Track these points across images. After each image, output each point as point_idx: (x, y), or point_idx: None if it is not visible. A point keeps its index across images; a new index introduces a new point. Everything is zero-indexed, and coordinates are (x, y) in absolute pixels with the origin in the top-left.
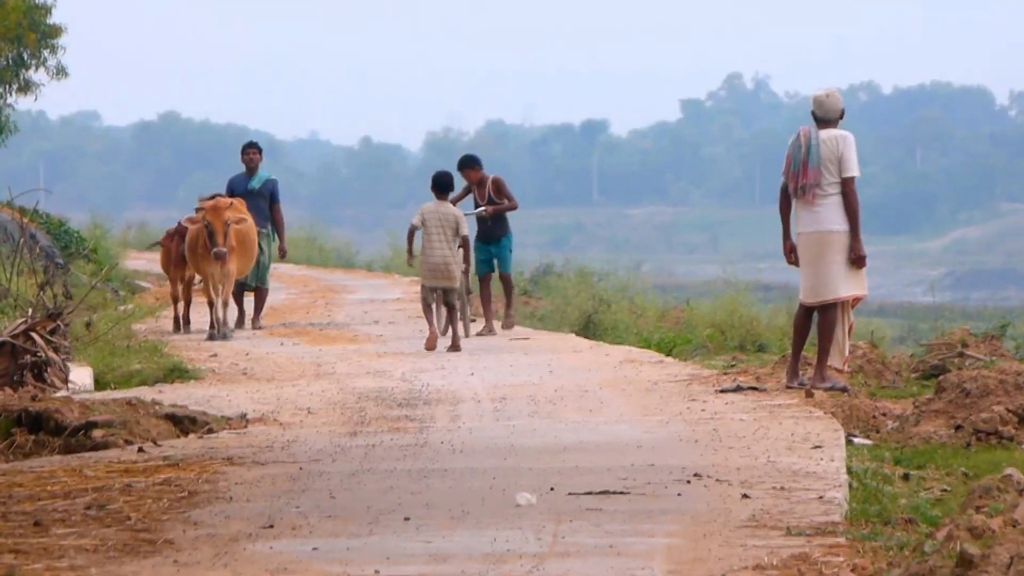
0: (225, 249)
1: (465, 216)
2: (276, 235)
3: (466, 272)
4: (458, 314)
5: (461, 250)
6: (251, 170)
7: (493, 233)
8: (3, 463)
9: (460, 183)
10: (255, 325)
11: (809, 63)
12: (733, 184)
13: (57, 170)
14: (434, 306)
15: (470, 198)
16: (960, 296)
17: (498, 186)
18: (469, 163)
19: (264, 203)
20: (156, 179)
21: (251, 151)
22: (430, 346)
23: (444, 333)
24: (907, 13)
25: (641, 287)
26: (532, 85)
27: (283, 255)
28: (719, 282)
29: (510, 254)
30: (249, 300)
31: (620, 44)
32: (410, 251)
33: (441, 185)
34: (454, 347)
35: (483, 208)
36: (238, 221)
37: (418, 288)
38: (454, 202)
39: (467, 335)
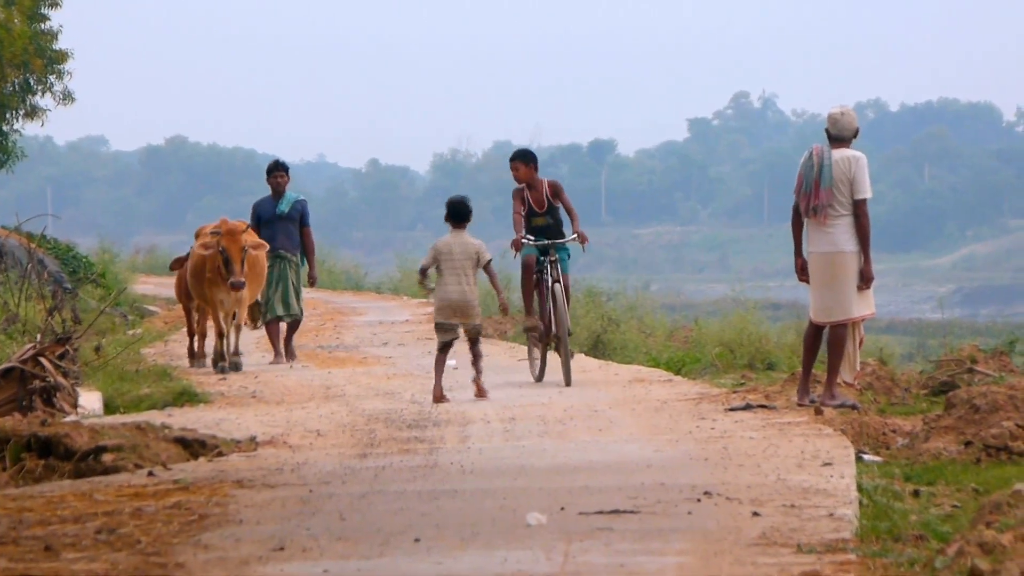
0: (243, 279)
1: (563, 243)
2: (305, 261)
3: (504, 306)
4: (481, 354)
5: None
6: (278, 193)
7: (547, 236)
8: (13, 488)
9: (503, 196)
10: (288, 356)
11: (816, 81)
12: (741, 203)
13: (65, 195)
14: (447, 357)
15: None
16: (969, 312)
17: (556, 190)
18: (522, 157)
19: (294, 227)
20: (164, 203)
21: (278, 173)
22: (437, 399)
23: (540, 378)
24: (914, 30)
25: (650, 306)
26: (539, 106)
27: (313, 283)
28: (728, 301)
29: (568, 260)
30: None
31: (626, 64)
32: (425, 287)
33: (458, 214)
34: (479, 394)
35: (573, 236)
36: (255, 246)
37: (427, 310)
38: (519, 217)
39: (568, 381)
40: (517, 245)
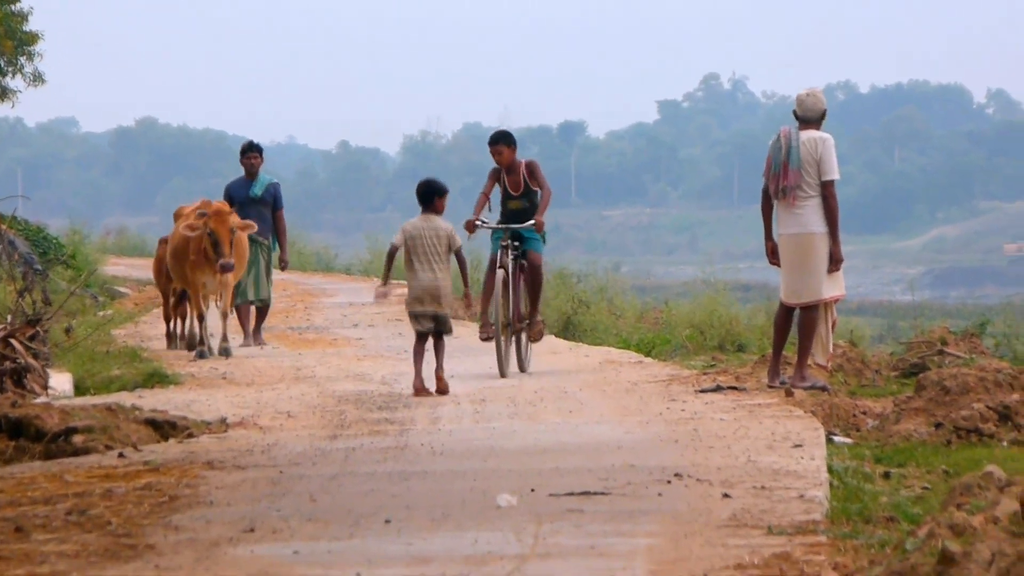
0: (232, 261)
1: (518, 228)
2: (277, 244)
3: (468, 299)
4: (444, 346)
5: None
6: (251, 175)
7: (522, 220)
8: None
9: (481, 171)
10: (256, 341)
11: (786, 63)
12: (711, 185)
13: (35, 177)
14: (426, 343)
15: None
16: (939, 294)
17: (532, 170)
18: (505, 139)
19: (267, 210)
20: (134, 185)
21: (252, 155)
22: (417, 391)
23: (523, 367)
24: (884, 12)
25: (620, 288)
26: (509, 88)
27: (284, 266)
28: (698, 282)
29: (540, 242)
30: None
31: (597, 46)
32: (386, 274)
33: (428, 196)
34: (440, 389)
35: (531, 222)
36: (243, 227)
37: (397, 292)
38: (483, 198)
39: (525, 367)
40: (469, 227)
